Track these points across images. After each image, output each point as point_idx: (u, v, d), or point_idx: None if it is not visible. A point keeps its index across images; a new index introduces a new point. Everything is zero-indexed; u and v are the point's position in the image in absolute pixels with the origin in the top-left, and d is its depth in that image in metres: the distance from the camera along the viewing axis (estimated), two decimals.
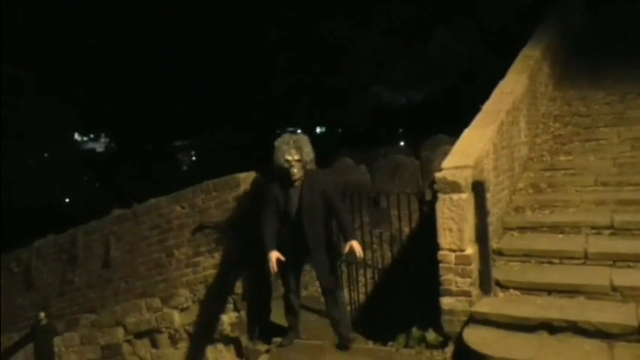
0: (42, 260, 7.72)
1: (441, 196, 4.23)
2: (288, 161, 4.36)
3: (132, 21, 13.71)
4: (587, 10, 12.43)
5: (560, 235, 4.96)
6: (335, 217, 4.50)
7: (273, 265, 4.33)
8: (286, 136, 4.50)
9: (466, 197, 4.18)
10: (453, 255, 4.20)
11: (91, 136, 24.05)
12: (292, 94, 12.87)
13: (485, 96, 6.02)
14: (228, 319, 5.84)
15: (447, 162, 4.48)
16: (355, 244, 4.29)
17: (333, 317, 4.71)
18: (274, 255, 4.36)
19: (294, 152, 4.36)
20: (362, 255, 4.41)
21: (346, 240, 4.35)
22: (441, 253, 4.22)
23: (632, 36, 10.70)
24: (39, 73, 13.64)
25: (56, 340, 7.30)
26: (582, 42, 10.95)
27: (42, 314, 7.30)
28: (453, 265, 4.20)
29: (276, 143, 4.46)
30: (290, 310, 4.87)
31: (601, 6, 12.59)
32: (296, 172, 4.39)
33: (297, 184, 4.44)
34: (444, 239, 4.21)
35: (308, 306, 5.96)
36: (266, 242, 4.44)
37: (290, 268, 4.65)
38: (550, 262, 4.60)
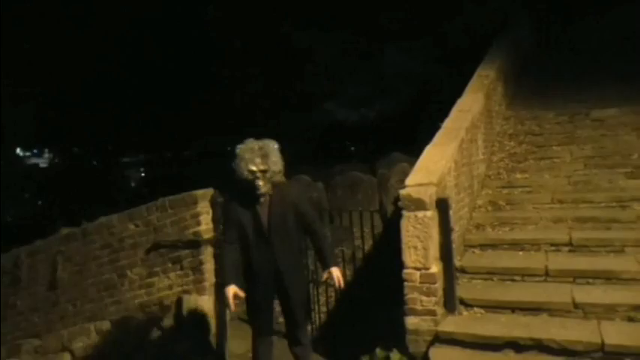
0: None
1: (405, 213, 4.17)
2: (252, 172, 3.60)
3: (80, 31, 13.29)
4: (536, 32, 12.85)
5: (521, 253, 5.00)
6: (311, 237, 3.90)
7: (230, 303, 3.62)
8: (250, 143, 3.71)
9: (431, 215, 4.14)
10: (417, 273, 4.14)
11: (34, 151, 23.11)
12: (250, 105, 12.68)
13: (440, 114, 6.07)
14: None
15: (411, 179, 4.43)
16: (336, 272, 3.78)
17: (296, 355, 4.04)
18: (231, 291, 3.62)
19: (260, 162, 3.61)
20: (342, 285, 3.85)
21: (326, 266, 3.82)
22: (405, 271, 4.16)
23: (577, 57, 11.14)
24: None
25: None
26: (531, 62, 11.31)
27: None
28: (417, 284, 4.14)
29: (239, 151, 3.68)
30: None
31: (548, 27, 13.04)
32: (262, 184, 3.64)
33: (263, 199, 3.71)
34: (409, 257, 4.15)
35: None
36: (225, 274, 3.74)
37: (261, 304, 3.88)
38: (512, 280, 4.61)
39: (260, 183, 3.64)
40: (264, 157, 3.63)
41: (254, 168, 3.61)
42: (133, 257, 6.03)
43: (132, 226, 6.04)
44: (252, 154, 3.62)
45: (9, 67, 13.39)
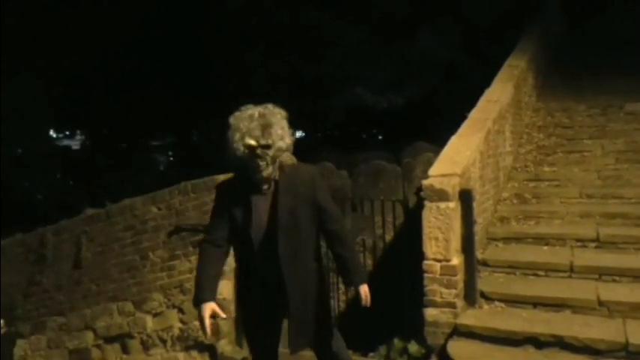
0: (8, 260, 7.42)
1: (427, 204, 4.11)
2: (250, 148, 2.52)
3: (108, 15, 13.39)
4: (566, 21, 12.53)
5: (546, 247, 4.89)
6: (330, 241, 2.86)
7: (206, 325, 2.58)
8: (249, 109, 2.62)
9: (453, 206, 4.07)
10: (438, 265, 4.08)
11: (67, 133, 23.53)
12: (270, 86, 12.58)
13: (466, 103, 5.96)
14: None
15: (434, 169, 4.37)
16: (365, 291, 2.80)
17: None
18: (207, 309, 2.58)
19: (260, 134, 2.53)
20: (368, 304, 2.83)
21: (350, 282, 2.86)
22: (426, 262, 4.11)
23: (610, 48, 10.80)
24: (13, 63, 13.25)
25: (22, 343, 7.01)
26: (563, 51, 11.02)
27: (1, 322, 6.97)
28: (438, 276, 4.08)
29: (232, 119, 2.61)
30: None
31: (580, 16, 12.69)
32: (263, 166, 2.57)
33: (266, 186, 2.68)
34: (430, 249, 4.09)
35: None
36: (199, 285, 2.67)
37: (260, 326, 2.83)
38: (535, 275, 4.52)
39: (261, 163, 2.55)
40: (266, 127, 2.54)
41: (252, 142, 2.51)
42: (155, 240, 6.08)
43: (154, 209, 6.09)
44: (250, 124, 2.54)
45: (40, 51, 13.60)
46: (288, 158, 2.73)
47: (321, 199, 2.74)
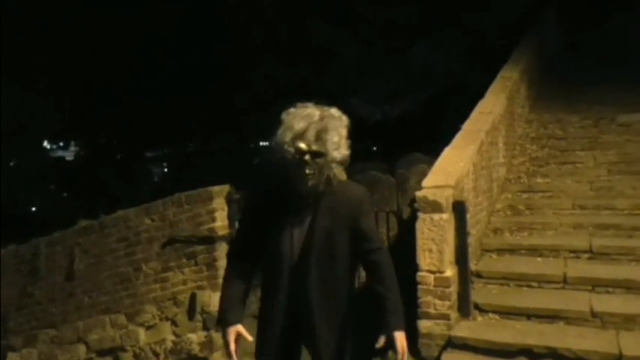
0: (1, 272, 7.38)
1: (421, 215, 4.12)
2: (300, 152, 2.18)
3: (106, 27, 13.43)
4: (562, 34, 12.64)
5: (539, 259, 4.90)
6: (369, 276, 2.37)
7: (231, 351, 2.31)
8: (308, 108, 2.27)
9: (447, 217, 4.08)
10: (432, 277, 4.08)
11: (61, 144, 23.51)
12: (269, 97, 12.61)
13: (461, 114, 5.98)
14: (197, 338, 5.62)
15: (428, 181, 4.38)
16: (401, 340, 2.31)
17: None
18: (232, 333, 2.32)
19: (314, 138, 2.18)
20: (405, 357, 2.32)
21: (386, 327, 2.30)
22: (419, 274, 4.10)
23: (603, 61, 10.90)
24: (9, 75, 13.25)
25: (13, 356, 6.95)
26: (556, 63, 11.11)
27: None
28: (432, 287, 4.08)
29: (286, 116, 2.27)
30: None
31: (575, 30, 12.80)
32: (311, 175, 2.20)
33: (306, 201, 2.28)
34: (424, 260, 4.09)
35: None
36: (224, 306, 2.39)
37: (276, 353, 2.38)
38: (529, 286, 4.52)
39: (308, 172, 2.18)
40: (323, 132, 2.18)
41: (303, 146, 2.15)
42: (149, 251, 6.06)
43: (148, 221, 6.07)
44: (306, 124, 2.18)
45: (35, 60, 13.61)
46: (338, 173, 2.28)
47: (364, 226, 2.27)
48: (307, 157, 2.14)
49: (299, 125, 2.16)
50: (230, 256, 2.49)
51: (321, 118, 2.18)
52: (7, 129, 13.92)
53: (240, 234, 2.48)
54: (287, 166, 2.18)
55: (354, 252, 2.28)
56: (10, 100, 13.56)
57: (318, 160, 2.15)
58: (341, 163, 2.24)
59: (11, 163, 16.08)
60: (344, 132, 2.22)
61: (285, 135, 2.17)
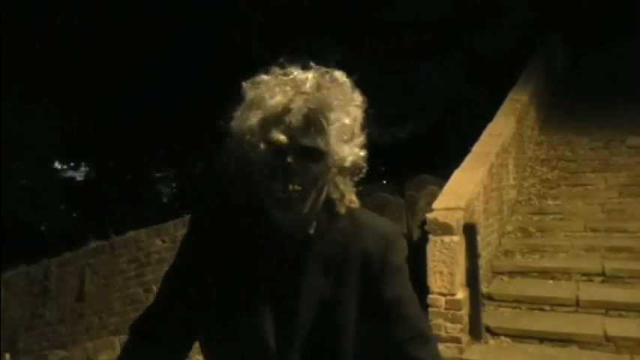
0: (11, 292, 7.40)
1: (431, 237, 4.12)
2: (279, 148, 1.11)
3: (115, 49, 13.63)
4: (570, 55, 12.68)
5: (551, 281, 4.87)
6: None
7: None
8: (291, 70, 1.18)
9: (457, 240, 4.08)
10: (443, 299, 4.06)
11: (71, 164, 23.71)
12: None
13: (470, 136, 6.00)
14: None
15: (438, 203, 4.38)
16: None
17: None
18: None
19: (304, 125, 1.11)
20: None
21: None
22: (430, 296, 4.09)
23: (613, 82, 10.91)
24: (23, 92, 13.45)
25: None
26: (565, 85, 11.13)
27: (7, 355, 6.94)
28: (442, 310, 4.06)
29: (252, 85, 1.18)
30: None
31: (584, 50, 12.84)
32: (299, 195, 1.10)
33: (293, 244, 1.18)
34: (434, 282, 4.08)
35: None
36: None
37: None
38: (541, 309, 4.49)
39: (292, 187, 1.10)
40: (320, 113, 1.12)
41: (282, 138, 1.11)
42: (159, 272, 6.06)
43: (159, 242, 6.10)
44: (289, 99, 1.13)
45: (44, 81, 13.80)
46: (348, 192, 1.21)
47: (393, 294, 1.21)
48: (290, 158, 1.09)
49: (275, 100, 1.13)
50: (136, 335, 1.29)
51: (317, 88, 1.13)
52: (18, 149, 14.08)
53: (164, 296, 1.28)
54: (253, 175, 1.15)
55: (376, 342, 1.22)
56: (20, 120, 13.73)
57: (310, 165, 1.10)
58: (352, 172, 1.19)
59: (21, 183, 16.22)
60: (358, 114, 1.18)
61: (248, 117, 1.14)
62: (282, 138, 1.09)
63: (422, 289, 4.11)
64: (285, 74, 1.16)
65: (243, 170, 1.17)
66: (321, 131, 1.10)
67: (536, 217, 6.20)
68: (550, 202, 6.50)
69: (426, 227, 4.17)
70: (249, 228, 1.19)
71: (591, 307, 4.37)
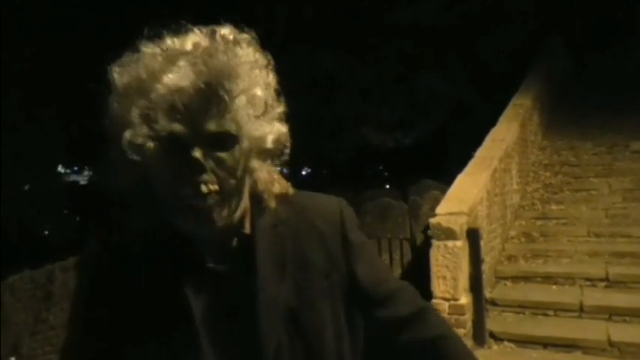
0: (15, 297, 7.41)
1: (435, 242, 4.13)
2: (173, 142, 0.84)
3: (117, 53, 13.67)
4: (572, 59, 12.68)
5: (555, 286, 4.86)
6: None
7: None
8: (171, 39, 0.88)
9: (461, 244, 4.09)
10: (446, 304, 4.07)
11: (75, 168, 23.80)
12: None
13: (472, 141, 6.01)
14: None
15: (441, 208, 4.40)
16: None
17: None
18: None
19: (203, 106, 0.83)
20: None
21: None
22: (433, 301, 4.09)
23: (615, 86, 10.89)
24: (26, 96, 13.51)
25: None
26: (567, 90, 11.12)
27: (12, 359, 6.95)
28: (446, 315, 4.06)
29: (120, 69, 0.88)
30: None
31: (586, 55, 12.84)
32: (214, 199, 0.85)
33: (231, 246, 0.93)
34: (438, 287, 4.09)
35: None
36: None
37: None
38: (545, 314, 4.49)
39: (205, 189, 0.84)
40: (221, 87, 0.84)
41: (179, 128, 0.84)
42: None
43: None
44: (178, 75, 0.84)
45: (48, 85, 13.85)
46: (273, 178, 0.98)
47: (365, 274, 1.02)
48: (195, 152, 0.83)
49: (157, 79, 0.85)
50: None
51: (209, 54, 0.86)
52: (21, 153, 14.14)
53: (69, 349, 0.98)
54: (149, 185, 0.88)
55: (373, 332, 1.02)
56: (23, 124, 13.79)
57: (222, 155, 0.86)
58: (274, 152, 0.95)
59: (24, 188, 16.27)
60: (268, 78, 0.93)
61: (125, 110, 0.87)
62: (178, 127, 0.82)
63: (425, 294, 4.12)
64: (162, 45, 0.87)
65: (134, 182, 0.88)
66: (226, 109, 0.84)
67: (539, 222, 6.19)
68: (553, 207, 6.50)
69: (430, 232, 4.18)
70: (165, 255, 0.89)
71: (595, 312, 4.37)
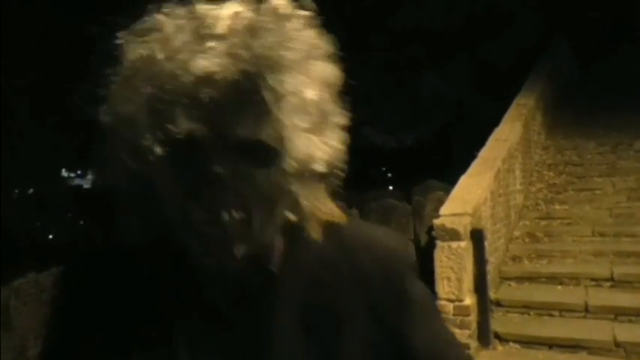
0: (21, 300, 7.43)
1: (439, 243, 4.12)
2: (195, 156, 0.61)
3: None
4: (577, 60, 12.66)
5: (560, 287, 4.85)
6: None
7: None
8: (194, 12, 0.63)
9: (465, 245, 4.08)
10: (451, 305, 4.07)
11: (79, 172, 23.85)
12: None
13: (476, 141, 6.00)
14: None
15: (445, 209, 4.39)
16: None
17: None
18: None
19: (235, 104, 0.60)
20: None
21: None
22: (438, 302, 4.08)
23: (619, 86, 10.87)
24: (32, 100, 13.55)
25: None
26: (571, 90, 11.11)
27: None
28: (450, 316, 4.06)
29: (128, 45, 0.65)
30: None
31: (590, 56, 12.82)
32: (240, 223, 0.62)
33: (252, 285, 0.69)
34: (442, 288, 4.08)
35: None
36: None
37: None
38: (550, 315, 4.48)
39: (227, 217, 0.61)
40: (262, 88, 0.61)
41: (197, 129, 0.60)
42: None
43: None
44: (192, 62, 0.60)
45: (51, 93, 13.90)
46: (320, 207, 0.71)
47: (424, 343, 0.76)
48: (218, 165, 0.61)
49: (178, 60, 0.61)
50: None
51: (252, 32, 0.62)
52: (25, 157, 14.19)
53: None
54: (154, 199, 0.65)
55: None
56: (27, 128, 13.84)
57: (254, 172, 0.63)
58: (324, 175, 0.69)
59: (29, 192, 16.33)
60: (331, 77, 0.68)
61: (129, 97, 0.64)
62: (199, 130, 0.59)
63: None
64: (192, 12, 0.64)
65: (136, 194, 0.66)
66: (267, 112, 0.61)
67: (543, 222, 6.18)
68: (557, 206, 6.48)
69: (434, 233, 4.18)
70: (156, 283, 0.68)
71: (600, 312, 4.35)
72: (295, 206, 0.67)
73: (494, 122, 6.63)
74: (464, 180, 4.95)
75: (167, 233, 0.65)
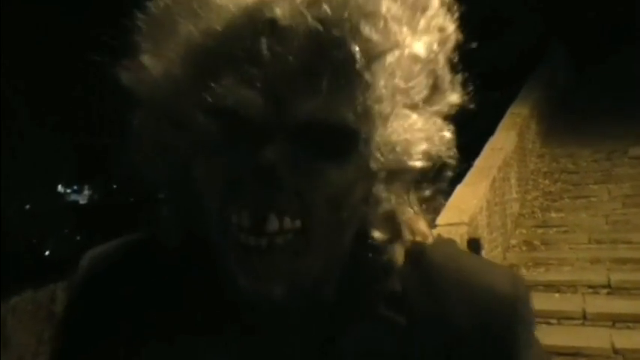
0: (17, 318, 7.40)
1: None
2: (244, 135, 0.45)
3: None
4: (572, 67, 12.72)
5: (557, 295, 4.85)
6: None
7: None
8: None
9: None
10: None
11: (75, 187, 23.84)
12: None
13: (467, 150, 6.02)
14: None
15: (441, 218, 4.39)
16: None
17: None
18: None
19: (306, 67, 0.43)
20: None
21: None
22: None
23: (614, 93, 10.92)
24: (32, 100, 13.55)
25: None
26: (567, 96, 11.15)
27: None
28: None
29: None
30: None
31: (585, 63, 12.88)
32: (296, 237, 0.46)
33: (289, 303, 0.51)
34: None
35: None
36: None
37: None
38: (548, 323, 4.47)
39: (277, 226, 0.46)
40: (345, 44, 0.43)
41: (252, 97, 0.44)
42: None
43: None
44: (246, 4, 0.45)
45: (48, 103, 13.91)
46: (410, 222, 0.54)
47: None
48: (272, 150, 0.45)
49: (236, 2, 0.46)
50: None
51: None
52: (22, 173, 14.18)
53: None
54: (191, 188, 0.50)
55: None
56: (24, 144, 13.84)
57: (324, 166, 0.46)
58: (423, 173, 0.51)
59: (26, 207, 16.30)
60: (447, 38, 0.55)
61: (163, 53, 0.49)
62: (252, 98, 0.44)
63: None
64: None
65: (170, 180, 0.54)
66: (355, 77, 0.45)
67: (540, 230, 6.20)
68: (554, 214, 6.50)
69: None
70: (181, 286, 0.56)
71: (598, 319, 4.36)
72: (376, 219, 0.49)
73: (490, 131, 6.64)
74: (460, 189, 4.96)
75: (200, 231, 0.51)
